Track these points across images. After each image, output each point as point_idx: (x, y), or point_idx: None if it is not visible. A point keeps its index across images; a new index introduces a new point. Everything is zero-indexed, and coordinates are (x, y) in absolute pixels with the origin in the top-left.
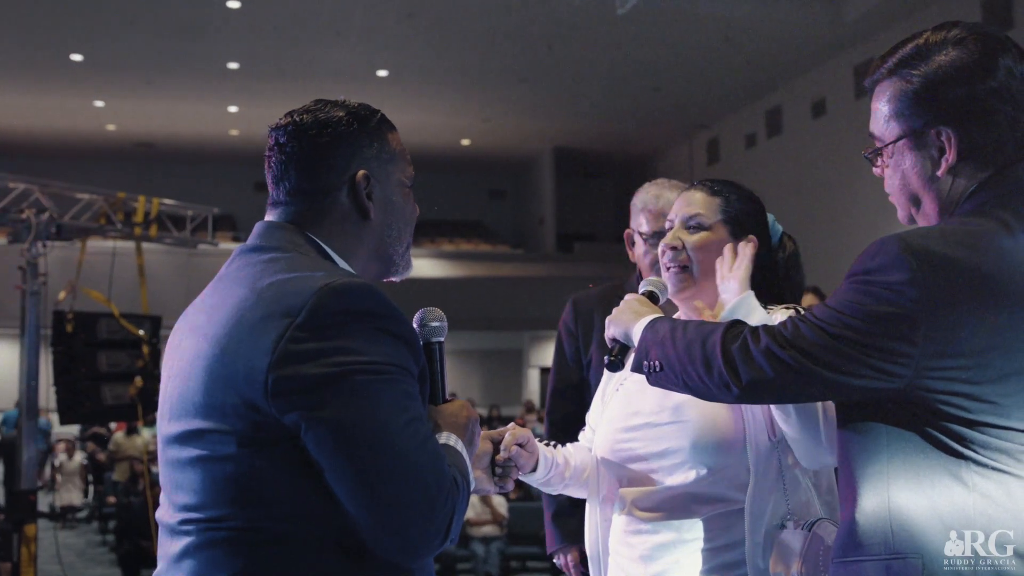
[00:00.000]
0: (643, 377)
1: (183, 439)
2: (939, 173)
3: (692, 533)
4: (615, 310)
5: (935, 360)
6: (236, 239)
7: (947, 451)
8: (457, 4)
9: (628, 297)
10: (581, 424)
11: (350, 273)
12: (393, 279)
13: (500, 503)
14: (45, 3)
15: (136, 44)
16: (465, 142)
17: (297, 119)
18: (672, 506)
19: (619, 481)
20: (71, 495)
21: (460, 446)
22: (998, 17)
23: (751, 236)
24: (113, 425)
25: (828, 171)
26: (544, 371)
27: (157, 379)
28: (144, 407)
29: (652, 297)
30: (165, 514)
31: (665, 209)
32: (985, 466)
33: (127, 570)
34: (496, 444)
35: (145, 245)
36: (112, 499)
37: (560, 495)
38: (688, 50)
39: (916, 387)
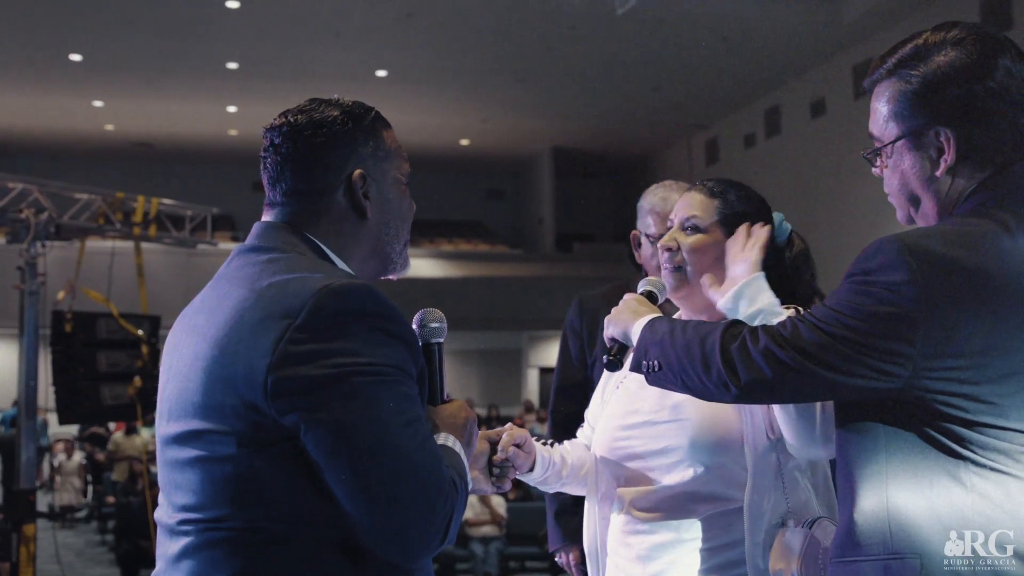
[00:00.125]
0: (643, 376)
1: (182, 439)
2: (938, 173)
3: (690, 533)
4: (614, 310)
5: (934, 360)
6: (235, 239)
7: (945, 451)
8: (456, 4)
9: (627, 297)
10: None
11: (349, 274)
12: (391, 277)
13: (499, 503)
14: (44, 3)
15: (135, 44)
16: (464, 142)
17: (292, 119)
18: (670, 505)
19: (617, 479)
20: (70, 495)
21: (458, 447)
22: (997, 17)
23: (763, 222)
24: (112, 425)
25: (827, 171)
26: (543, 371)
27: (156, 379)
28: (143, 407)
29: (651, 297)
30: (164, 514)
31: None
32: (983, 466)
33: (126, 570)
34: (493, 444)
35: (144, 245)
36: (111, 499)
37: (563, 493)
38: (687, 50)
39: (915, 387)
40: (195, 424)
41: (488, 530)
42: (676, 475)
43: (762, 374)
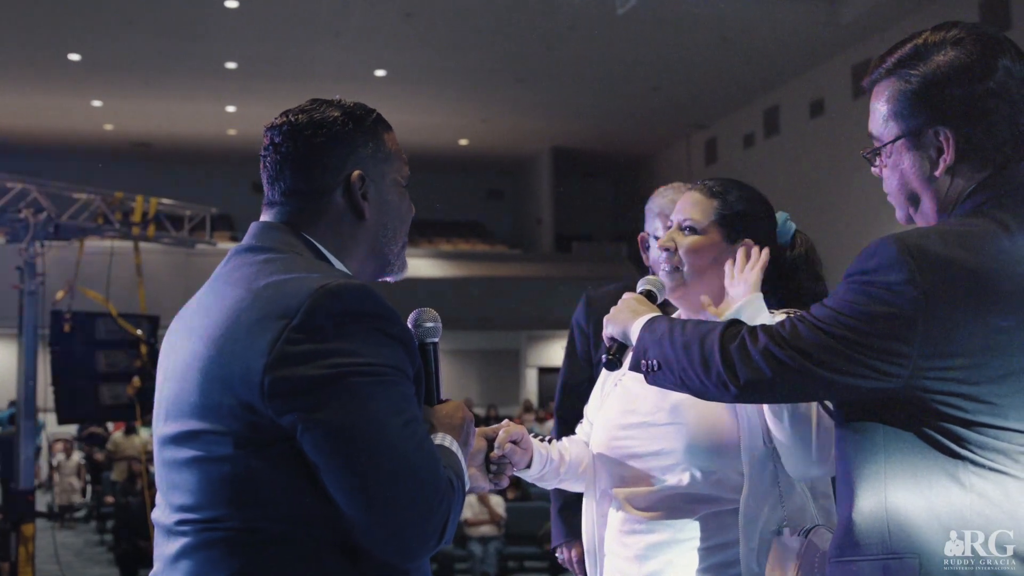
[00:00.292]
0: (641, 375)
1: (179, 440)
2: (937, 173)
3: (686, 533)
4: (613, 309)
5: (932, 360)
6: (234, 239)
7: (944, 451)
8: (455, 4)
9: (626, 296)
10: None
11: (346, 274)
12: (388, 279)
13: (498, 503)
14: (43, 3)
15: (134, 44)
16: (463, 142)
17: (292, 119)
18: (667, 506)
19: (614, 478)
20: (69, 495)
21: (455, 447)
22: (996, 17)
23: (765, 222)
24: (110, 425)
25: (826, 171)
26: (542, 371)
27: (155, 379)
28: (142, 407)
29: (650, 296)
30: (161, 515)
31: None
32: (982, 466)
33: (125, 570)
34: (491, 441)
35: (143, 245)
36: (110, 499)
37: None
38: (686, 50)
39: (913, 387)
40: (192, 424)
41: (487, 530)
42: (672, 477)
43: (761, 374)
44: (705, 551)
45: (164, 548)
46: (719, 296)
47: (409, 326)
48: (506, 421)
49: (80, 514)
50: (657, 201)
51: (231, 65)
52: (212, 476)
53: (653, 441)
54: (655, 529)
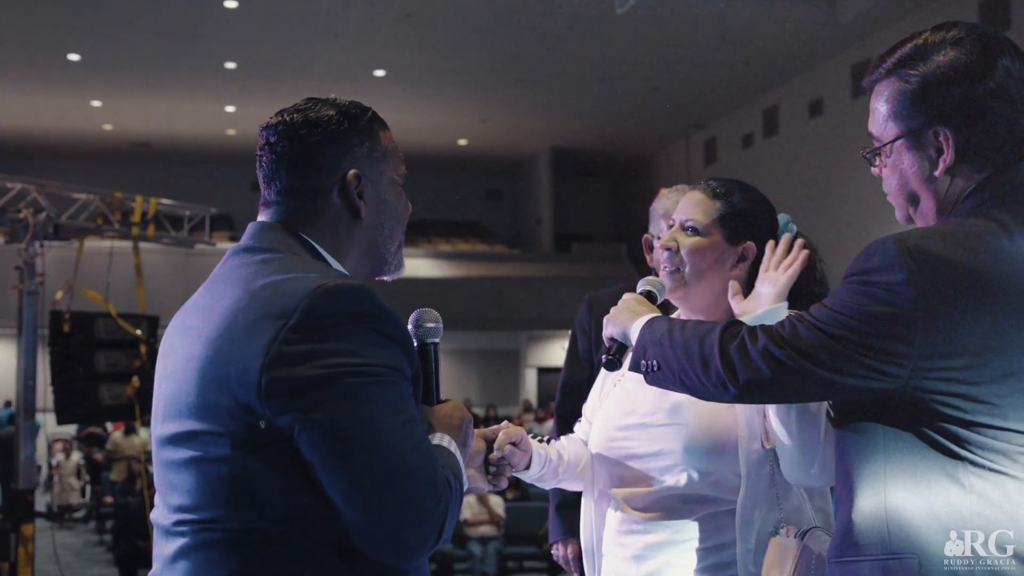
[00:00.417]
0: (641, 375)
1: (177, 440)
2: (937, 173)
3: (684, 534)
4: (613, 309)
5: (932, 360)
6: (233, 239)
7: (944, 452)
8: (455, 4)
9: (626, 296)
10: None
11: (343, 274)
12: (385, 278)
13: (497, 503)
14: (42, 3)
15: (133, 44)
16: (462, 142)
17: (287, 118)
18: (664, 506)
19: (613, 478)
20: (68, 495)
21: (454, 447)
22: (996, 17)
23: (767, 224)
24: (109, 425)
25: (825, 171)
26: (542, 371)
27: (153, 379)
28: (142, 407)
29: (650, 296)
30: (160, 515)
31: None
32: (982, 467)
33: (124, 570)
34: (490, 442)
35: (142, 245)
36: (109, 499)
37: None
38: (685, 50)
39: (913, 387)
40: (190, 425)
41: (486, 530)
42: (671, 478)
43: (761, 374)
44: (702, 551)
45: (163, 548)
46: (720, 296)
47: (410, 326)
48: (505, 422)
49: (79, 514)
50: (661, 202)
51: (230, 65)
52: (210, 477)
53: (652, 442)
54: (653, 529)
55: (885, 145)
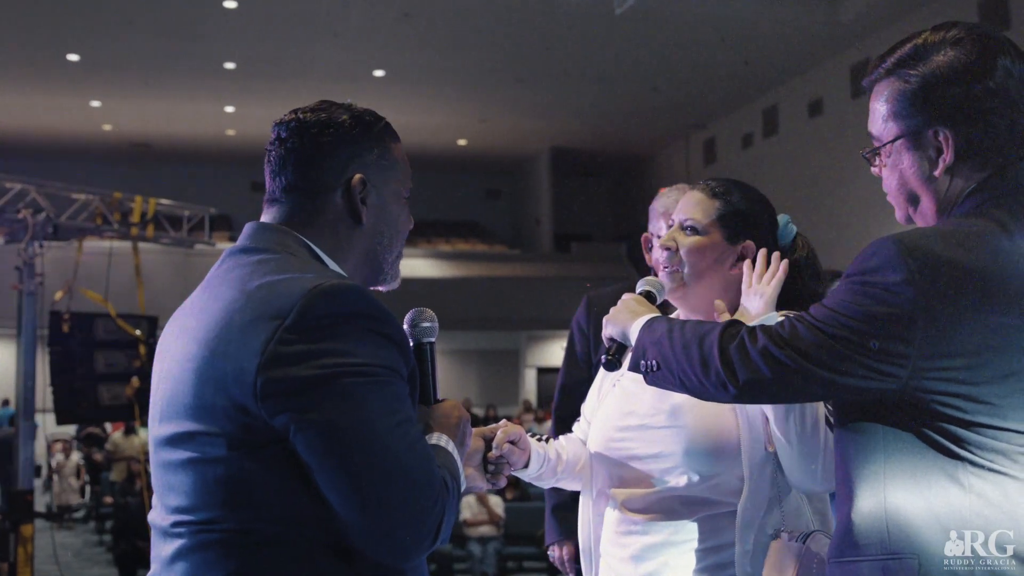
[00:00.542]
0: (640, 376)
1: (174, 441)
2: (936, 173)
3: (682, 535)
4: (612, 309)
5: (932, 361)
6: (232, 239)
7: (944, 452)
8: (454, 4)
9: (626, 296)
10: None
11: (340, 275)
12: (380, 288)
13: (497, 503)
14: (42, 3)
15: (133, 44)
16: (462, 142)
17: (302, 116)
18: (663, 508)
19: (611, 479)
20: (68, 495)
21: (451, 447)
22: (995, 17)
23: (767, 224)
24: (108, 426)
25: (825, 171)
26: (541, 371)
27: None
28: (141, 407)
29: (650, 296)
30: (157, 516)
31: None
32: (981, 467)
33: (124, 570)
34: (488, 441)
35: (142, 245)
36: (109, 499)
37: (562, 488)
38: (685, 50)
39: (913, 387)
40: (186, 426)
41: (486, 530)
42: (670, 479)
43: (760, 374)
44: (701, 552)
45: (161, 550)
46: (719, 297)
47: (405, 326)
48: (504, 421)
49: (79, 515)
50: (660, 201)
51: (230, 65)
52: (207, 478)
53: (652, 443)
54: (651, 530)
55: (885, 145)
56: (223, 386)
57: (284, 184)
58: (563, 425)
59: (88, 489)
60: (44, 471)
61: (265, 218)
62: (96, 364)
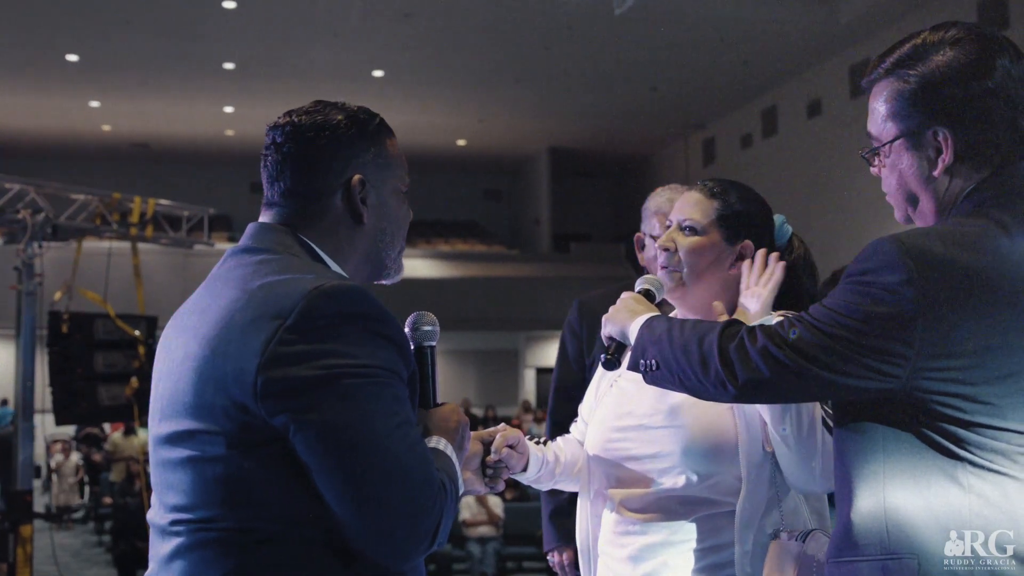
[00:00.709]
0: (638, 376)
1: (173, 440)
2: (936, 173)
3: (681, 535)
4: (611, 308)
5: (931, 361)
6: (232, 239)
7: (943, 452)
8: (453, 4)
9: (625, 295)
10: None
11: (341, 276)
12: (384, 282)
13: (496, 503)
14: (41, 3)
15: (132, 44)
16: (461, 142)
17: (295, 119)
18: (662, 508)
19: (609, 479)
20: (67, 496)
21: (449, 450)
22: (994, 17)
23: (764, 225)
24: (107, 426)
25: (824, 171)
26: (540, 371)
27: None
28: (141, 407)
29: (649, 295)
30: (156, 515)
31: None
32: (981, 467)
33: (123, 571)
34: (487, 445)
35: (141, 246)
36: (108, 500)
37: (560, 493)
38: (684, 50)
39: (912, 388)
40: (186, 424)
41: (485, 530)
42: (668, 480)
43: (760, 374)
44: (699, 552)
45: (159, 548)
46: (718, 297)
47: (407, 329)
48: (502, 425)
49: (78, 515)
50: (654, 201)
51: (229, 65)
52: (206, 476)
53: (650, 443)
54: (649, 531)
55: (884, 145)
56: (223, 385)
57: (283, 189)
58: (559, 427)
59: (87, 490)
60: (43, 471)
61: (265, 220)
62: (95, 364)
